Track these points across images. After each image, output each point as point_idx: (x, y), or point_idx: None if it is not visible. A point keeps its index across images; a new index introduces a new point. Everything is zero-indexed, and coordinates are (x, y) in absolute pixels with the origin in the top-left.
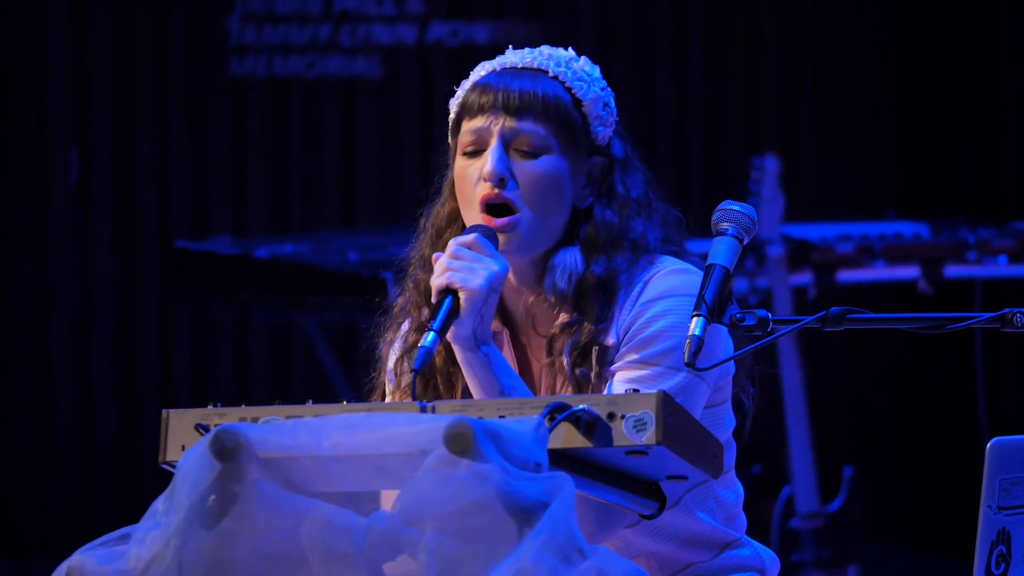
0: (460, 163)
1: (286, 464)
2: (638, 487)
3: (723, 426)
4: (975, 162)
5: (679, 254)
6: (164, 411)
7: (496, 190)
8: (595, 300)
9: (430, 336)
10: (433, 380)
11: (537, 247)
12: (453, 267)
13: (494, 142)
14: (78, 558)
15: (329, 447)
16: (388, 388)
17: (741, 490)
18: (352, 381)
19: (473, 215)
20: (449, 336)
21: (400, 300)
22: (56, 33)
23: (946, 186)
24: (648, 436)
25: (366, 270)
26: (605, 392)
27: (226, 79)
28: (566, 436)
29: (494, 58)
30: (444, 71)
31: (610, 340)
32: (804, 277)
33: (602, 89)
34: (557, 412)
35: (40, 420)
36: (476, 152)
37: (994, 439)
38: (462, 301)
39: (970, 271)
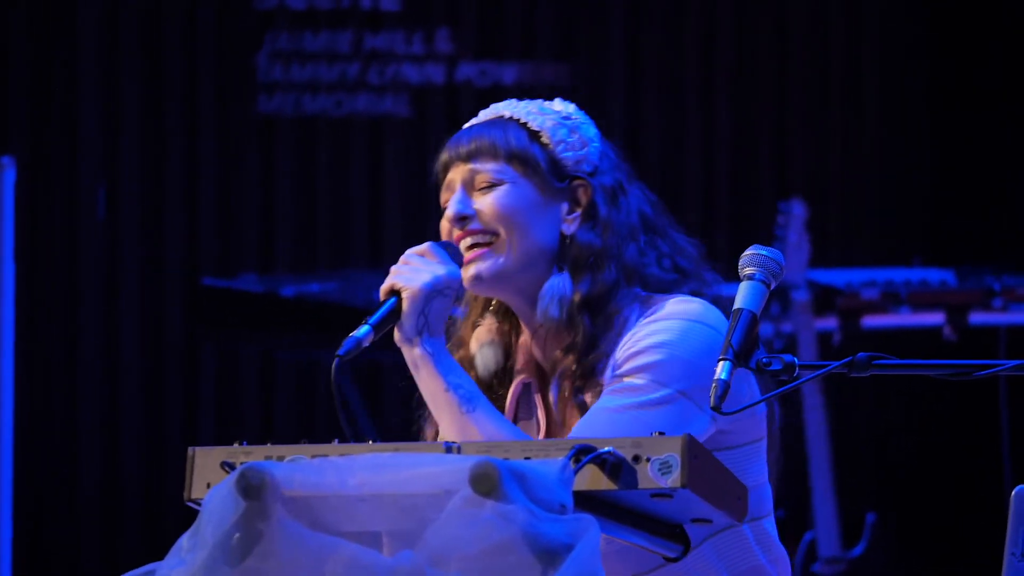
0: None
1: (311, 503)
2: (662, 530)
3: (752, 468)
4: (1002, 210)
5: (696, 288)
6: (190, 449)
7: (461, 231)
8: (583, 320)
9: (364, 328)
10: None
11: (520, 273)
12: (400, 271)
13: (456, 188)
14: None
15: (355, 486)
16: None
17: (777, 548)
18: (377, 420)
19: None
20: (397, 341)
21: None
22: (85, 68)
23: (972, 233)
24: (673, 479)
25: None
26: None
27: (254, 116)
28: (591, 478)
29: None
30: (472, 111)
31: (607, 371)
32: (829, 322)
33: (564, 118)
34: (583, 454)
35: (66, 456)
36: None
37: (1019, 487)
38: (404, 301)
39: (995, 318)
